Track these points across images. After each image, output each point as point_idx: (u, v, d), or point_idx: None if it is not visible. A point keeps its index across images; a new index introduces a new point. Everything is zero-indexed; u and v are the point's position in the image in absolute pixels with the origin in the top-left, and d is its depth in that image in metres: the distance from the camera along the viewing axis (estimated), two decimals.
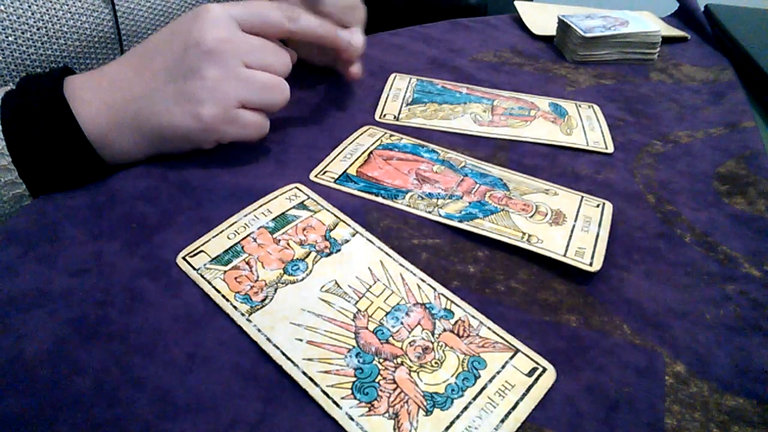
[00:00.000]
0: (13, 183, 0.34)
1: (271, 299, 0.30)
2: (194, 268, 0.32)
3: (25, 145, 0.33)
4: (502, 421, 0.26)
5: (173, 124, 0.36)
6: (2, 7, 0.37)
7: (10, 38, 0.37)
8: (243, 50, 0.36)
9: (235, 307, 0.30)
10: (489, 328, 0.30)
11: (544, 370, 0.28)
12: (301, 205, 0.36)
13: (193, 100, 0.35)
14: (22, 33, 0.38)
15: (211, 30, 0.35)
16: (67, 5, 0.40)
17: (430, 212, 0.37)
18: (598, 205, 0.38)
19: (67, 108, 0.34)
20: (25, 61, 0.39)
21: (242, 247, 0.33)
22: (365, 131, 0.45)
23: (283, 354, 0.27)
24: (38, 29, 0.39)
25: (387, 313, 0.30)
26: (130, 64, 0.37)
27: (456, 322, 0.30)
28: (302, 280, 0.31)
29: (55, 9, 0.40)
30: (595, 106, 0.52)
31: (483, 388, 0.27)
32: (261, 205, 0.36)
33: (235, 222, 0.35)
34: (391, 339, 0.29)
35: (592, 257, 0.34)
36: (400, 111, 0.48)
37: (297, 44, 0.52)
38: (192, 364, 0.27)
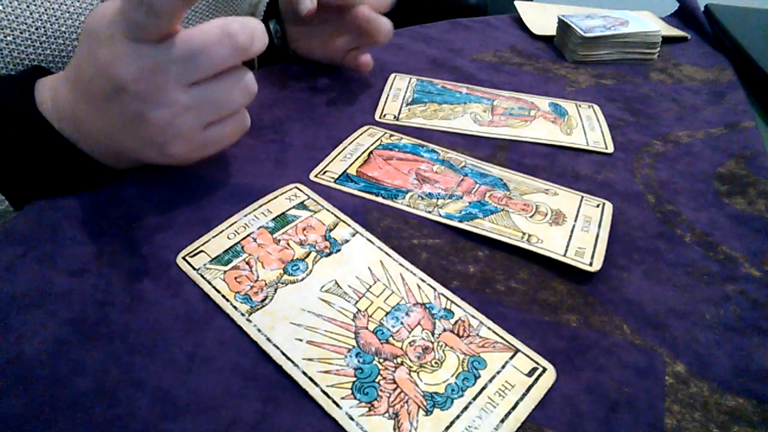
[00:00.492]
0: None
1: (271, 299, 0.30)
2: (194, 268, 0.32)
3: (2, 159, 0.33)
4: (502, 421, 0.26)
5: (151, 160, 0.34)
6: (0, 7, 0.36)
7: (8, 38, 0.37)
8: (171, 72, 0.29)
9: (235, 307, 0.30)
10: (489, 328, 0.30)
11: (544, 370, 0.28)
12: (301, 205, 0.36)
13: (157, 145, 0.32)
14: (21, 33, 0.38)
15: (122, 69, 0.29)
16: (66, 5, 0.40)
17: (430, 212, 0.37)
18: (598, 205, 0.38)
19: (47, 124, 0.33)
20: (23, 60, 0.39)
21: (242, 247, 0.33)
22: (365, 131, 0.45)
23: (283, 354, 0.27)
24: (37, 29, 0.38)
25: (387, 313, 0.30)
26: (75, 95, 0.33)
27: (456, 322, 0.30)
28: (302, 280, 0.31)
29: (53, 9, 0.39)
30: (595, 106, 0.52)
31: (483, 388, 0.27)
32: (261, 205, 0.36)
33: (235, 222, 0.35)
34: (391, 339, 0.29)
35: (592, 257, 0.34)
36: (400, 111, 0.48)
37: (301, 38, 0.52)
38: (192, 364, 0.27)
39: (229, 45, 0.30)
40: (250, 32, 0.31)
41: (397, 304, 0.30)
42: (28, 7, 0.38)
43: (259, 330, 0.28)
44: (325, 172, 0.40)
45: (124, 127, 0.32)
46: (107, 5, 0.31)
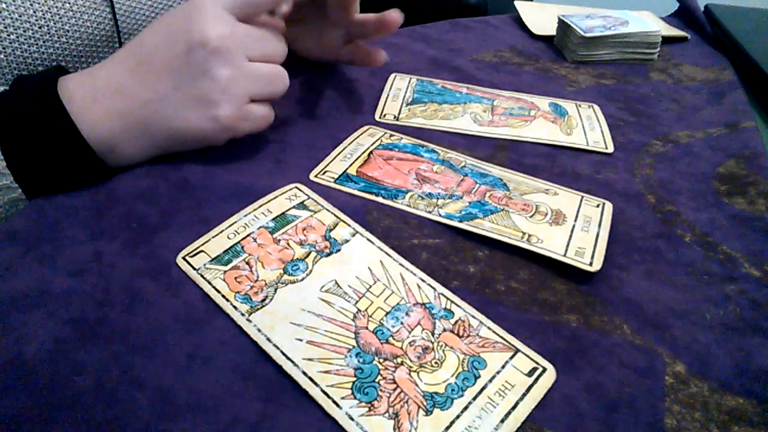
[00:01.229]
0: (8, 188, 0.34)
1: (271, 299, 0.30)
2: (194, 268, 0.32)
3: (21, 149, 0.33)
4: (502, 421, 0.26)
5: (190, 128, 0.36)
6: (4, 5, 0.37)
7: (11, 36, 0.37)
8: (245, 44, 0.36)
9: (235, 307, 0.30)
10: (489, 328, 0.30)
11: (544, 370, 0.28)
12: (301, 205, 0.36)
13: (208, 103, 0.35)
14: (24, 31, 0.38)
15: (213, 27, 0.34)
16: (69, 3, 0.40)
17: (430, 212, 0.37)
18: (598, 205, 0.38)
19: (64, 111, 0.34)
20: (26, 59, 0.39)
21: (242, 247, 0.33)
22: (365, 131, 0.45)
23: (283, 354, 0.27)
24: (40, 27, 0.38)
25: (387, 313, 0.30)
26: (126, 67, 0.36)
27: (456, 322, 0.30)
28: (302, 280, 0.31)
29: (56, 7, 0.39)
30: (595, 106, 0.52)
31: (483, 388, 0.27)
32: (261, 205, 0.36)
33: (235, 222, 0.35)
34: (391, 339, 0.29)
35: (592, 257, 0.34)
36: (400, 111, 0.48)
37: (297, 38, 0.52)
38: (192, 364, 0.27)
39: (280, 41, 0.39)
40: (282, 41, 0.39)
41: (397, 304, 0.30)
42: (31, 5, 0.38)
43: (259, 330, 0.28)
44: (325, 172, 0.40)
45: (181, 83, 0.35)
46: None
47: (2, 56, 0.37)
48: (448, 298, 0.31)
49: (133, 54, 0.36)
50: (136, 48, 0.36)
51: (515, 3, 0.73)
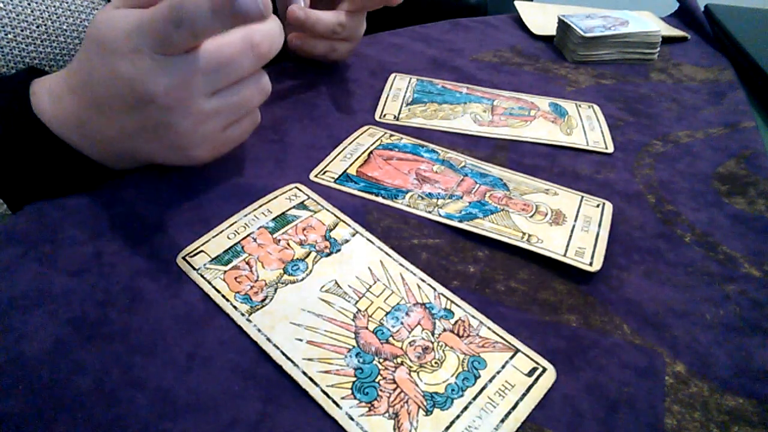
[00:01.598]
0: None
1: (271, 299, 0.30)
2: (194, 268, 0.32)
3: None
4: (502, 421, 0.26)
5: (169, 162, 0.35)
6: (2, 5, 0.36)
7: (9, 36, 0.37)
8: (198, 84, 0.30)
9: (235, 307, 0.30)
10: (489, 328, 0.30)
11: (544, 370, 0.28)
12: (301, 205, 0.36)
13: (178, 148, 0.33)
14: (22, 30, 0.38)
15: (152, 82, 0.29)
16: (66, 3, 0.40)
17: (430, 212, 0.37)
18: (598, 205, 0.38)
19: (44, 128, 0.32)
20: (24, 58, 0.39)
21: (242, 247, 0.33)
22: (365, 131, 0.45)
23: (283, 354, 0.27)
24: (38, 27, 0.38)
25: (387, 313, 0.30)
26: (85, 100, 0.32)
27: (456, 322, 0.30)
28: (302, 280, 0.31)
29: (54, 6, 0.39)
30: (595, 106, 0.52)
31: (483, 388, 0.27)
32: (261, 205, 0.36)
33: (235, 222, 0.35)
34: (391, 339, 0.29)
35: (592, 257, 0.34)
36: (400, 111, 0.48)
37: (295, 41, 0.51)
38: (192, 364, 0.27)
39: (252, 55, 0.32)
40: (270, 39, 0.32)
41: (397, 304, 0.30)
42: (29, 4, 0.38)
43: (259, 330, 0.28)
44: (325, 172, 0.40)
45: (145, 134, 0.32)
46: (115, 15, 0.30)
47: (0, 56, 0.37)
48: (448, 298, 0.31)
49: (82, 87, 0.32)
50: (83, 81, 0.32)
51: (515, 3, 0.73)
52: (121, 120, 0.32)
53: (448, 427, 0.25)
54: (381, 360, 0.28)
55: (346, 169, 0.40)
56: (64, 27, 0.41)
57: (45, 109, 0.33)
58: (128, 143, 0.33)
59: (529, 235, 0.35)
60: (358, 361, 0.27)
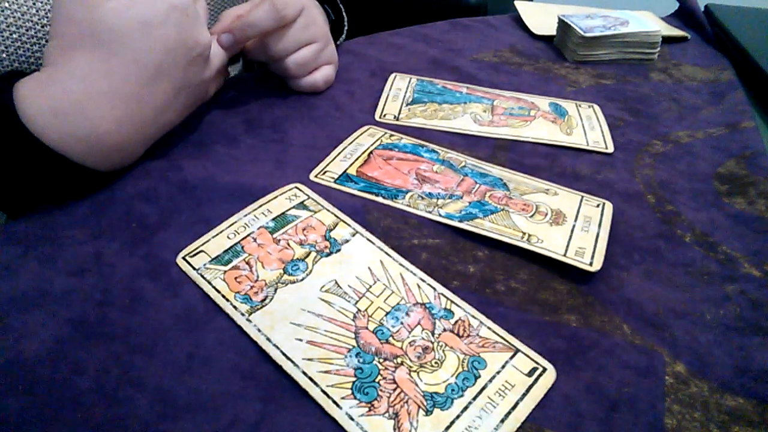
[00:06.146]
0: None
1: (271, 299, 0.30)
2: (194, 268, 0.32)
3: None
4: (502, 421, 0.26)
5: (195, 107, 0.41)
6: (6, 4, 0.36)
7: (14, 35, 0.37)
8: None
9: (235, 307, 0.30)
10: (489, 328, 0.30)
11: (544, 370, 0.28)
12: (301, 205, 0.36)
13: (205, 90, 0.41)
14: (27, 30, 0.38)
15: (202, 34, 0.37)
16: None
17: (430, 212, 0.37)
18: (598, 205, 0.38)
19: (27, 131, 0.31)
20: (29, 58, 0.39)
21: (242, 247, 0.33)
22: (365, 131, 0.45)
23: (283, 354, 0.27)
24: (42, 26, 0.38)
25: (387, 313, 0.30)
26: (127, 84, 0.34)
27: (456, 322, 0.30)
28: (302, 280, 0.31)
29: None
30: (595, 106, 0.52)
31: (483, 388, 0.27)
32: (261, 205, 0.36)
33: (235, 222, 0.35)
34: (391, 339, 0.29)
35: (592, 257, 0.34)
36: (400, 111, 0.48)
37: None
38: (192, 364, 0.27)
39: (275, 18, 0.42)
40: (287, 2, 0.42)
41: (397, 304, 0.30)
42: (34, 4, 0.38)
43: (259, 330, 0.28)
44: (325, 172, 0.40)
45: (187, 89, 0.38)
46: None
47: (4, 55, 0.37)
48: (448, 298, 0.31)
49: (129, 67, 0.33)
50: (131, 65, 0.33)
51: (515, 3, 0.73)
52: (172, 79, 0.36)
53: (448, 427, 0.25)
54: (381, 360, 0.28)
55: (346, 169, 0.40)
56: None
57: (31, 102, 0.32)
58: (174, 102, 0.37)
59: (529, 235, 0.35)
60: (358, 361, 0.27)
